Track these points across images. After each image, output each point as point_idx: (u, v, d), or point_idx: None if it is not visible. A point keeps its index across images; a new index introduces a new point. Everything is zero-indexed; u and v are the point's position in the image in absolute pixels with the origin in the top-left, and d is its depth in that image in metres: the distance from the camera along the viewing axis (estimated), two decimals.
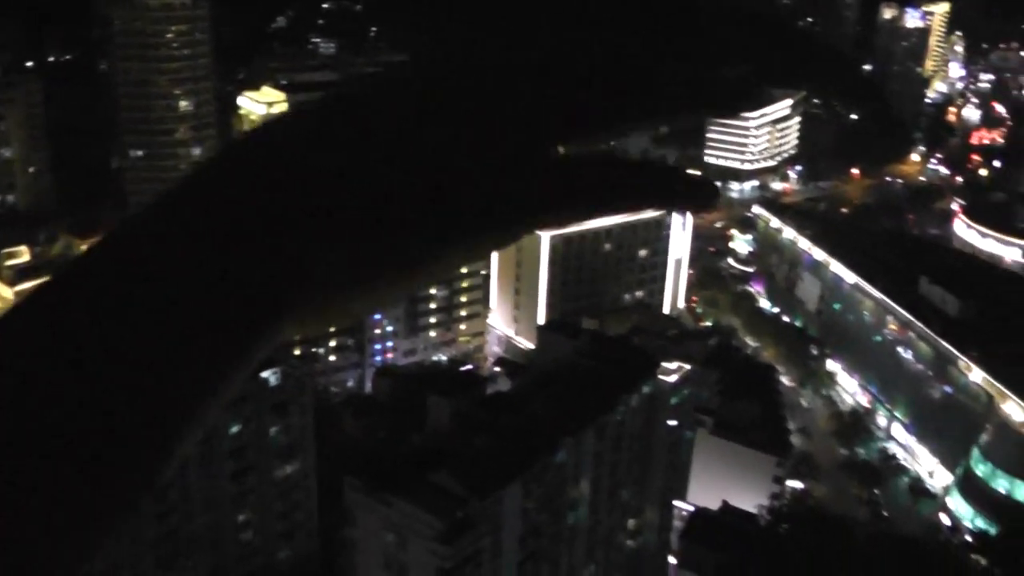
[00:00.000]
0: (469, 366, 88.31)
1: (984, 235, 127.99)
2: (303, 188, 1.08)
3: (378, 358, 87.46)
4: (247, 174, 1.09)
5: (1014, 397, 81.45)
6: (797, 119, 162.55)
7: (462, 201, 1.11)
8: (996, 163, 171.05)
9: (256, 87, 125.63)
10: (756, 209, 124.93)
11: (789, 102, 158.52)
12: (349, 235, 1.07)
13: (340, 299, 1.10)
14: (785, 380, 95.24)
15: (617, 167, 1.19)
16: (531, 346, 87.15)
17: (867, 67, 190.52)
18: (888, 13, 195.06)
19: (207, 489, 57.13)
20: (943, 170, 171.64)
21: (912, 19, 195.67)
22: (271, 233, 1.04)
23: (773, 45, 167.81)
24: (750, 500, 67.57)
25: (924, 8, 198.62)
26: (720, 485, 68.16)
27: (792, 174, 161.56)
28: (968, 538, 77.28)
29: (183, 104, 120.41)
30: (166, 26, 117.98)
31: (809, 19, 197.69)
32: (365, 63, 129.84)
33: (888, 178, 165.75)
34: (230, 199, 1.07)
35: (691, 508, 67.54)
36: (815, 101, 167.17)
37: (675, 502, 70.05)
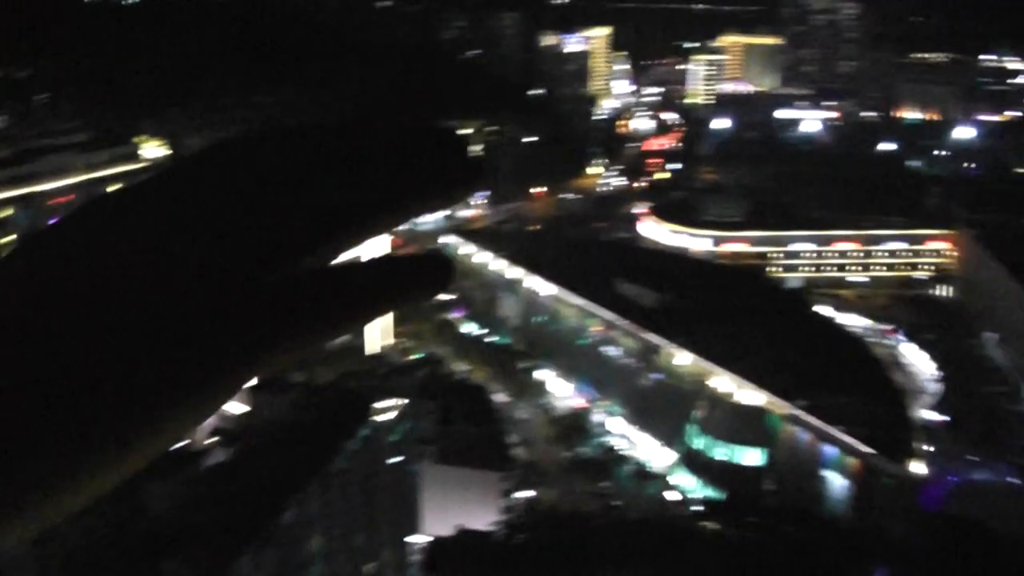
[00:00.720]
0: (182, 442, 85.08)
1: (673, 231, 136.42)
2: None
3: None
4: None
5: (721, 371, 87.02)
6: (479, 147, 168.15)
7: (161, 358, 0.89)
8: (675, 165, 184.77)
9: None
10: (446, 238, 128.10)
11: (467, 132, 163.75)
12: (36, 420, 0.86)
13: (27, 503, 0.87)
14: (500, 397, 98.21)
15: (328, 278, 0.98)
16: (244, 409, 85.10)
17: (537, 91, 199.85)
18: (548, 40, 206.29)
19: None
20: (621, 179, 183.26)
21: (571, 44, 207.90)
22: None
23: (437, 78, 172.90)
24: (486, 519, 69.33)
25: (583, 33, 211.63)
26: (454, 511, 69.41)
27: (478, 200, 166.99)
28: (698, 507, 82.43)
29: None
30: None
31: (474, 51, 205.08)
32: (39, 134, 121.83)
33: (570, 193, 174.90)
34: None
35: (429, 539, 68.55)
36: (490, 129, 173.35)
37: (411, 537, 70.79)
